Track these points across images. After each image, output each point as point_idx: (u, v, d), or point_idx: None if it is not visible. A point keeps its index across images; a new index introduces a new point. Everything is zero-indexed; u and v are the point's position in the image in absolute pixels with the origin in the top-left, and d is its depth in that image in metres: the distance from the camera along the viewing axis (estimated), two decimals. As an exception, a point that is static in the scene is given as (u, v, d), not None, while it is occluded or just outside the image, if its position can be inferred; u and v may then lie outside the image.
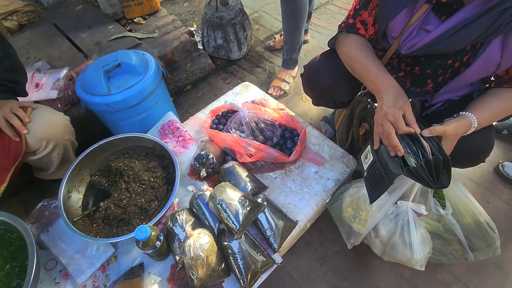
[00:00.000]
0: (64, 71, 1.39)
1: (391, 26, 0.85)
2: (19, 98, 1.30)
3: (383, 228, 0.88)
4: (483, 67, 0.80)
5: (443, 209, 0.88)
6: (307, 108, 1.70)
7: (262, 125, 1.12)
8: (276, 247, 0.92)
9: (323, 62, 1.05)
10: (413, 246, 0.86)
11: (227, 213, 0.85)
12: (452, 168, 0.76)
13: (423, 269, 0.88)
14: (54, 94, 1.34)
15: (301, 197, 1.07)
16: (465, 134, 0.82)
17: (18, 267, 0.84)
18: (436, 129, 0.78)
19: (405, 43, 0.84)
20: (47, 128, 1.01)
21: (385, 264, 1.14)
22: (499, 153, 1.44)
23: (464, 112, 0.82)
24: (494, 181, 1.35)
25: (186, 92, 1.84)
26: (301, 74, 1.17)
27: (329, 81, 1.05)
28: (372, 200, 0.85)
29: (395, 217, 0.87)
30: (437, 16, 0.80)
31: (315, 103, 1.23)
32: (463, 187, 0.91)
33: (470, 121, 0.80)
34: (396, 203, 0.87)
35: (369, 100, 1.06)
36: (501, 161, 1.38)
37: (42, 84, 1.36)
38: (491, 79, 0.86)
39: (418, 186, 0.86)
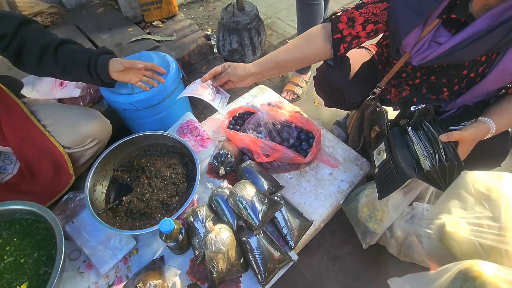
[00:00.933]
0: (87, 71, 1.45)
1: (404, 43, 0.88)
2: (44, 96, 1.36)
3: (398, 228, 0.90)
4: (499, 77, 0.82)
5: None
6: (319, 112, 1.73)
7: (279, 127, 1.15)
8: (293, 245, 0.94)
9: (334, 64, 1.09)
10: None
11: (247, 210, 0.88)
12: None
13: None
14: (77, 93, 1.40)
15: (315, 197, 1.09)
16: (483, 139, 0.84)
17: (45, 255, 0.88)
18: (454, 135, 0.80)
19: (416, 56, 0.87)
20: (97, 128, 1.09)
21: (397, 266, 1.16)
22: None
23: (482, 118, 0.84)
24: (505, 188, 1.36)
25: (200, 94, 1.88)
26: (314, 76, 1.21)
27: (339, 81, 1.09)
28: (381, 197, 0.88)
29: (410, 218, 0.89)
30: (447, 29, 0.83)
31: (327, 103, 1.27)
32: None
33: (488, 126, 0.82)
34: (411, 204, 0.89)
35: (378, 103, 1.09)
36: (513, 169, 1.40)
37: (66, 83, 1.41)
38: (508, 85, 0.89)
39: (432, 187, 0.89)
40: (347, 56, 1.11)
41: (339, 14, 0.95)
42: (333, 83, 1.11)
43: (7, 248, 0.88)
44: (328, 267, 1.18)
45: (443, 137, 0.80)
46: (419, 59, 0.88)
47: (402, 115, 1.15)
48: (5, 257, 0.86)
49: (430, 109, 1.02)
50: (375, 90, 1.10)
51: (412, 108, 1.02)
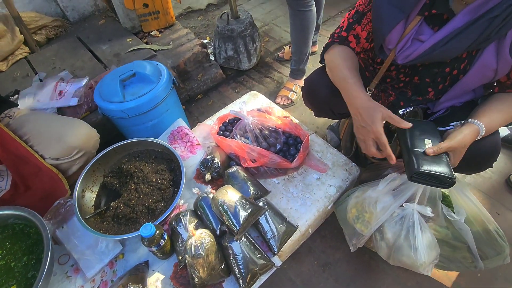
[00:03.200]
0: (85, 80, 1.50)
1: (387, 39, 0.88)
2: (44, 105, 1.41)
3: (388, 230, 0.89)
4: (481, 73, 0.81)
5: (451, 217, 0.87)
6: (313, 118, 1.72)
7: (266, 132, 1.16)
8: (276, 250, 0.94)
9: (320, 76, 1.09)
10: (418, 249, 0.85)
11: (228, 215, 0.89)
12: (461, 174, 0.77)
13: (429, 274, 0.87)
14: (75, 102, 1.45)
15: (302, 202, 1.09)
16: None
17: (34, 259, 0.91)
18: (441, 147, 0.77)
19: (400, 53, 0.87)
20: (83, 140, 1.11)
21: (388, 273, 1.13)
22: (510, 164, 1.40)
23: (471, 120, 0.81)
24: (504, 192, 1.32)
25: (197, 100, 1.92)
26: (302, 88, 1.20)
27: (327, 94, 1.08)
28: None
29: (400, 219, 0.87)
30: (429, 26, 0.82)
31: (316, 114, 1.27)
32: (471, 194, 0.90)
33: (477, 128, 0.80)
34: (402, 205, 0.88)
35: None
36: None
37: (64, 92, 1.47)
38: (494, 84, 0.87)
39: (422, 188, 0.87)
40: None
41: (345, 36, 0.96)
42: (321, 94, 1.10)
43: (-1, 252, 0.91)
44: (318, 273, 1.16)
45: (430, 151, 0.77)
46: (403, 57, 0.88)
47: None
48: (-4, 261, 0.90)
49: (418, 112, 1.01)
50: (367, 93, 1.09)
51: (400, 112, 1.01)
